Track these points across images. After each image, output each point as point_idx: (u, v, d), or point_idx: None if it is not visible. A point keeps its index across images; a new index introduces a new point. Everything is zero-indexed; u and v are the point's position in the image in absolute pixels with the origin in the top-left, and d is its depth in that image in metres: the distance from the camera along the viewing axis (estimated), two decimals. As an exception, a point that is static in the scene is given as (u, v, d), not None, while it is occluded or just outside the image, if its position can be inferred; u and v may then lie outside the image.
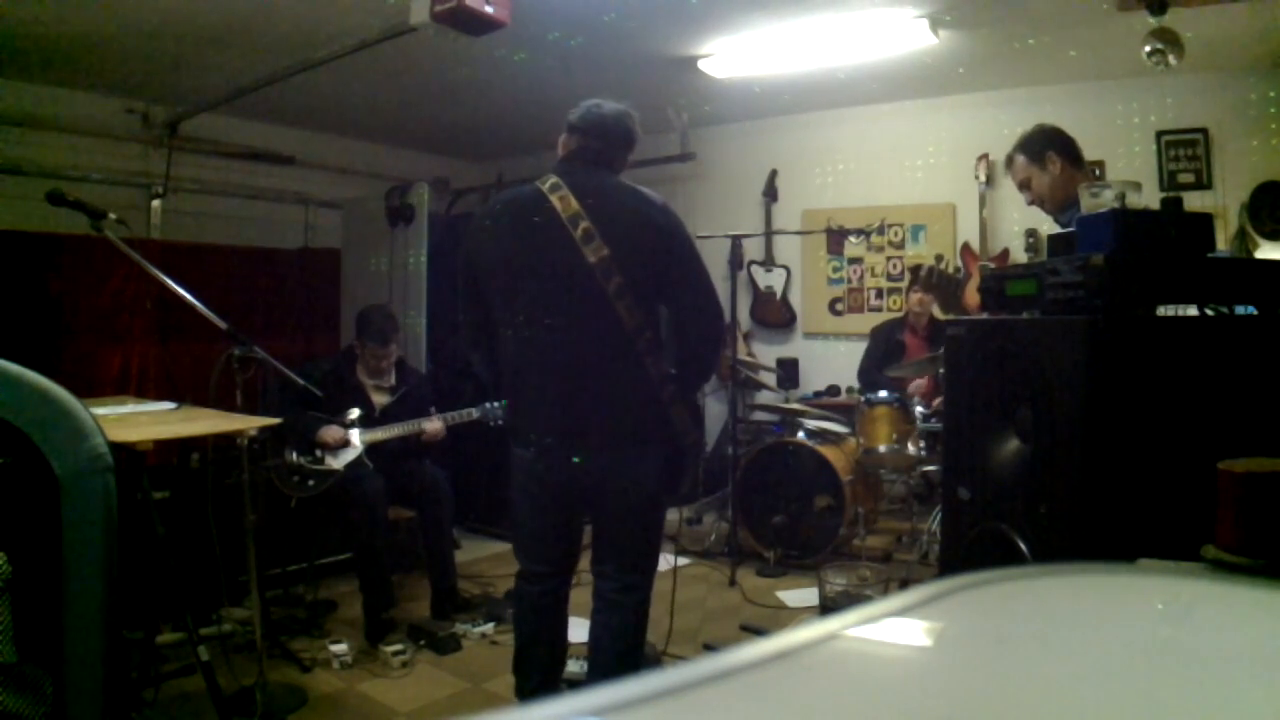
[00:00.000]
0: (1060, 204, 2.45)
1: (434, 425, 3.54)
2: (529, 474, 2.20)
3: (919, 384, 4.12)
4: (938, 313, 4.26)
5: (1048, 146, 2.47)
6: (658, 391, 2.10)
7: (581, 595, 2.45)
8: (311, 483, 3.38)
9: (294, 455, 3.39)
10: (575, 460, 2.10)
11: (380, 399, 3.66)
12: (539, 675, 2.26)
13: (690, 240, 2.20)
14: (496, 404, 3.37)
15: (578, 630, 2.39)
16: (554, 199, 2.08)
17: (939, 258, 4.94)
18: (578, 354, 2.08)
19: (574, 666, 2.72)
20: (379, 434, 3.51)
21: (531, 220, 2.11)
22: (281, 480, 3.36)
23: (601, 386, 2.08)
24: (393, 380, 3.70)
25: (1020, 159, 2.52)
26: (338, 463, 3.42)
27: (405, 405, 3.65)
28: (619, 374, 2.08)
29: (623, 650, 2.21)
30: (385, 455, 3.53)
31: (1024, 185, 2.54)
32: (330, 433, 3.40)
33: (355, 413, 3.53)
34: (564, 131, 2.24)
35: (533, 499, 2.22)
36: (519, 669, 2.30)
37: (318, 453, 3.41)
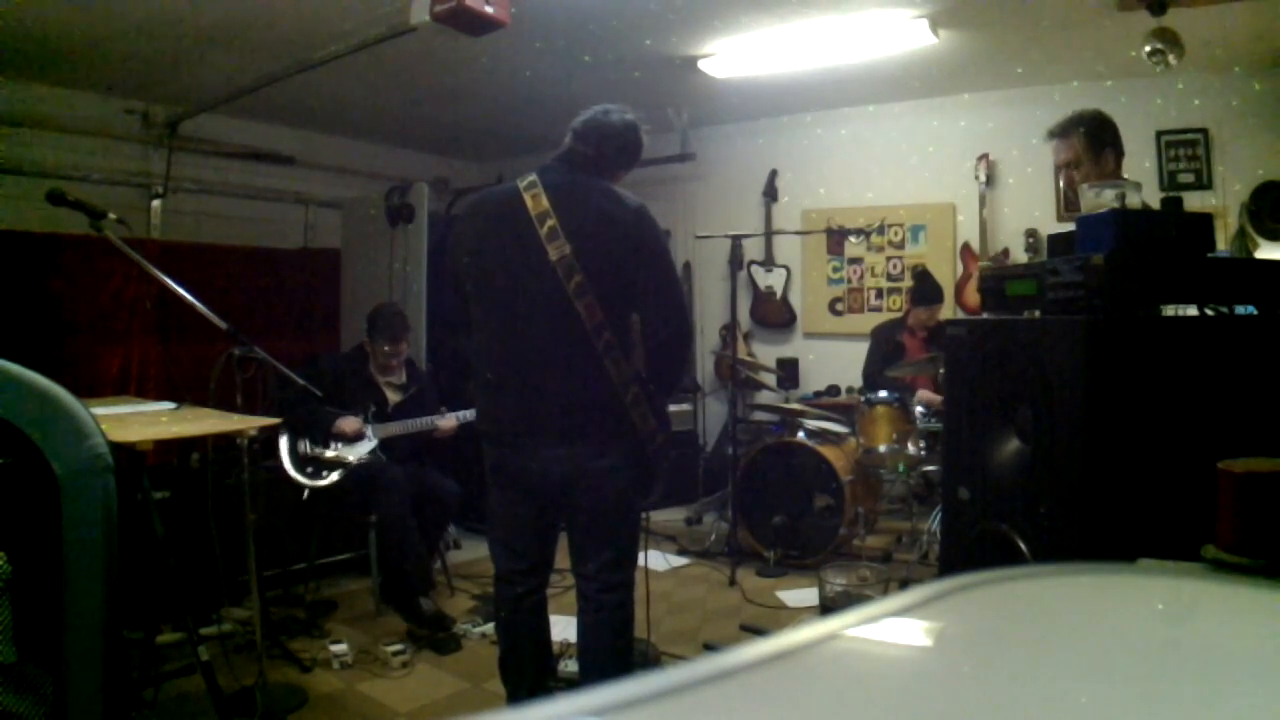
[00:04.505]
0: None
1: (447, 422, 3.64)
2: (495, 470, 2.23)
3: (931, 398, 4.08)
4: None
5: (1112, 142, 2.29)
6: (619, 392, 2.07)
7: (569, 594, 2.44)
8: (325, 473, 3.41)
9: (308, 447, 3.42)
10: (533, 454, 2.11)
11: (393, 396, 3.73)
12: (528, 680, 2.26)
13: (661, 245, 2.19)
14: None
15: (568, 629, 2.39)
16: (527, 197, 2.09)
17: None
18: (536, 349, 2.08)
19: (569, 666, 2.73)
20: (393, 428, 3.58)
21: (502, 217, 2.13)
22: (297, 469, 3.39)
23: (556, 382, 2.07)
24: (403, 378, 3.77)
25: (1081, 141, 2.29)
26: (352, 455, 3.45)
27: (416, 402, 3.73)
28: (575, 371, 2.06)
29: (612, 648, 2.21)
30: (397, 455, 3.57)
31: (1068, 165, 2.33)
32: (348, 423, 3.46)
33: (370, 407, 3.59)
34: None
35: (501, 493, 2.24)
36: (506, 676, 2.30)
37: (332, 446, 3.44)
